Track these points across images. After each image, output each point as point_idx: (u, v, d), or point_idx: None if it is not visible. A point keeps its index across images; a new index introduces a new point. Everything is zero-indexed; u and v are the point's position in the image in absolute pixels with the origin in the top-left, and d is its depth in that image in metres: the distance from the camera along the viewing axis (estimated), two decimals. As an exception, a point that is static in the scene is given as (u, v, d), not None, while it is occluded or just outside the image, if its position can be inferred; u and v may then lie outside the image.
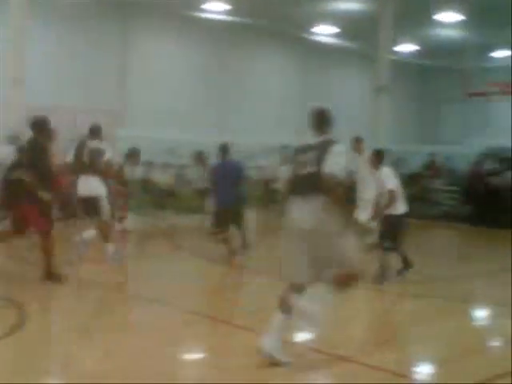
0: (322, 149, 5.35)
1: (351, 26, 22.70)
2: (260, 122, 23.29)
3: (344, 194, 5.27)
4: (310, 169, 5.33)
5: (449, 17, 21.83)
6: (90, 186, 9.21)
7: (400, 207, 9.15)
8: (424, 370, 5.75)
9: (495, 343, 6.84)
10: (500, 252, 13.42)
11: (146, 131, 17.87)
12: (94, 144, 9.34)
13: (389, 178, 9.08)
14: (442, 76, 28.62)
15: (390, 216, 9.01)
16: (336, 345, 6.13)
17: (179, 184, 17.61)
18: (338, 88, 26.57)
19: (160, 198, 16.86)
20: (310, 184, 5.30)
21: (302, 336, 6.65)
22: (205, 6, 21.24)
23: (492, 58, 24.16)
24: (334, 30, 24.24)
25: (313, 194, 5.25)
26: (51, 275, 8.02)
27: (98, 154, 9.21)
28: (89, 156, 9.21)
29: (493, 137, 27.09)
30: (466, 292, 9.20)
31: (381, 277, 9.06)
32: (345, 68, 27.29)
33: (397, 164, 20.42)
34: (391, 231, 9.10)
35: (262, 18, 22.10)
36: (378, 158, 9.33)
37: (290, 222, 5.44)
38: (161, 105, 20.74)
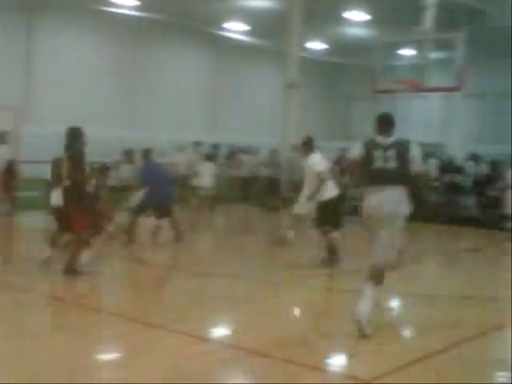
0: (401, 147, 6.40)
1: (261, 23, 22.87)
2: (170, 118, 23.17)
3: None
4: (392, 164, 6.29)
5: (356, 16, 22.36)
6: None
7: (332, 190, 9.62)
8: (337, 362, 5.84)
9: (405, 332, 7.06)
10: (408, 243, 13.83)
11: (55, 128, 17.40)
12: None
13: (317, 163, 9.55)
14: (351, 73, 29.29)
15: (324, 201, 9.49)
16: (247, 339, 6.15)
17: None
18: (250, 85, 26.76)
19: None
20: (392, 176, 6.27)
21: (216, 332, 6.67)
22: (116, 1, 20.92)
23: (399, 55, 24.91)
24: (244, 27, 24.35)
25: (394, 184, 6.24)
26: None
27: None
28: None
29: (401, 132, 27.93)
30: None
31: (329, 260, 9.70)
32: (256, 65, 27.49)
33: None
34: (327, 215, 9.57)
35: (172, 14, 21.96)
36: (308, 145, 9.78)
37: (368, 210, 6.35)
38: (71, 101, 20.30)
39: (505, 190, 15.29)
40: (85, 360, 5.46)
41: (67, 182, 8.59)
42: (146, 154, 12.07)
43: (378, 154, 6.40)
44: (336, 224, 9.79)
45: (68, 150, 8.65)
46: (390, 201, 6.26)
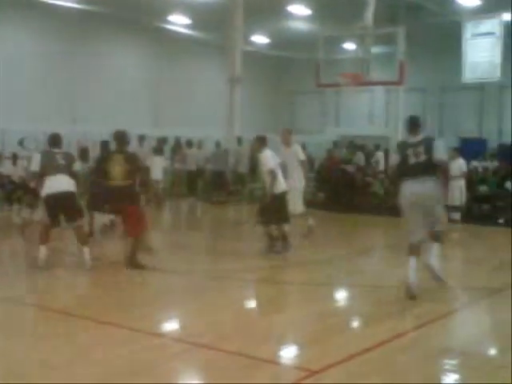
0: (428, 143, 7.60)
1: (204, 16, 22.79)
2: (113, 111, 22.86)
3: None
4: (422, 158, 7.53)
5: (299, 10, 22.49)
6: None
7: (280, 186, 10.17)
8: (286, 353, 5.88)
9: (353, 323, 7.14)
10: (356, 236, 14.05)
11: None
12: (60, 151, 9.22)
13: (269, 160, 10.09)
14: (295, 67, 29.45)
15: (273, 194, 10.06)
16: (196, 333, 6.15)
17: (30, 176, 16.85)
18: (194, 78, 26.65)
19: (11, 191, 16.09)
20: (424, 168, 7.53)
21: (165, 327, 6.63)
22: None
23: (343, 50, 25.19)
24: (187, 20, 24.22)
25: (426, 175, 7.53)
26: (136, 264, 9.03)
27: (71, 158, 9.34)
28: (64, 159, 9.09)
29: (346, 126, 28.33)
30: (324, 276, 9.51)
31: (271, 247, 10.33)
32: (200, 59, 27.38)
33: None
34: (271, 208, 10.10)
35: (113, 6, 21.66)
36: (261, 142, 10.35)
37: (409, 197, 7.62)
38: (7, 93, 19.82)
39: (450, 182, 15.55)
40: (34, 359, 5.37)
41: (126, 182, 9.00)
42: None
43: (410, 152, 7.62)
44: (285, 217, 10.38)
45: (123, 150, 9.37)
46: (426, 188, 7.59)
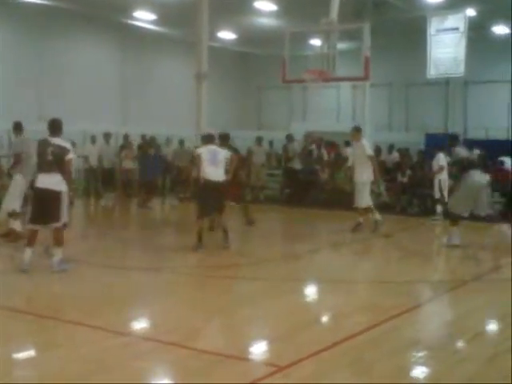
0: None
1: (169, 12, 22.65)
2: (79, 109, 22.58)
3: None
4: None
5: (265, 6, 22.47)
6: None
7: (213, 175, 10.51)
8: (254, 349, 5.87)
9: (322, 318, 7.16)
10: (324, 230, 14.12)
11: None
12: (57, 141, 8.82)
13: (199, 150, 10.73)
14: (261, 63, 29.45)
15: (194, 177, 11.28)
16: (164, 331, 6.11)
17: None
18: (160, 75, 26.49)
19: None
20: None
21: (131, 326, 6.58)
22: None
23: (309, 45, 25.23)
24: (152, 16, 24.05)
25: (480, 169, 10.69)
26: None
27: (62, 152, 8.76)
28: (53, 154, 8.69)
29: (313, 122, 28.40)
30: (291, 271, 9.54)
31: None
32: (166, 55, 27.21)
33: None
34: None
35: (77, 2, 21.39)
36: (224, 139, 11.46)
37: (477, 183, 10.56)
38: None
39: (433, 176, 15.82)
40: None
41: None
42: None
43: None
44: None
45: (231, 150, 10.95)
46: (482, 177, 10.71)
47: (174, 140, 21.45)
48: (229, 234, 10.70)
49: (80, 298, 7.47)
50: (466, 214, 11.17)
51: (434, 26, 20.84)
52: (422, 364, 5.46)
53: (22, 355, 5.61)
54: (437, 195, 15.34)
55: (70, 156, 8.86)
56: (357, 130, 13.13)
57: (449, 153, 18.95)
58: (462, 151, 11.92)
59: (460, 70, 20.42)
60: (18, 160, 10.88)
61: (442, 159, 15.35)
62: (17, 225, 10.76)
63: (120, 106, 25.22)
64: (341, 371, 5.15)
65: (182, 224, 14.98)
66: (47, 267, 8.68)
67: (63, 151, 8.75)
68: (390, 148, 20.06)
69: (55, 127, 9.00)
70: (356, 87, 27.06)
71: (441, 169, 15.23)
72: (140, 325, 6.70)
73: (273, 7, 22.55)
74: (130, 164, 18.74)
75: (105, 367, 5.11)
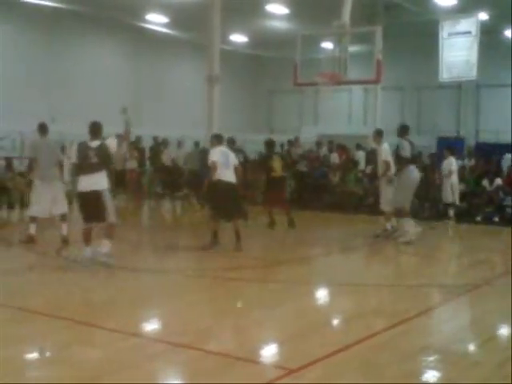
0: None
1: (181, 15, 22.72)
2: (91, 111, 22.63)
3: None
4: None
5: (277, 9, 22.51)
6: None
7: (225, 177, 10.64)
8: (264, 352, 5.86)
9: (333, 321, 7.15)
10: (335, 234, 14.10)
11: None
12: (95, 144, 9.03)
13: (212, 154, 10.71)
14: (273, 66, 29.47)
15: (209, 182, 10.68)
16: (175, 333, 6.12)
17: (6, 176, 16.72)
18: (173, 77, 26.55)
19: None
20: None
21: (143, 327, 6.59)
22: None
23: (320, 49, 25.21)
24: (165, 19, 24.13)
25: None
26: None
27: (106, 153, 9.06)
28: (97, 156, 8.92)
29: (324, 125, 28.39)
30: (302, 274, 9.53)
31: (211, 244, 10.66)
32: (179, 58, 27.30)
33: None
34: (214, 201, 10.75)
35: (92, 5, 21.51)
36: (217, 140, 11.10)
37: None
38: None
39: (443, 180, 15.83)
40: (11, 359, 5.29)
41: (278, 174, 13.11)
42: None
43: None
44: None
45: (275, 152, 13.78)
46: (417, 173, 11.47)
47: (186, 142, 21.46)
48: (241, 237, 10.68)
49: (92, 300, 7.49)
50: (408, 206, 11.94)
51: (446, 29, 20.80)
52: (433, 368, 5.43)
53: (34, 356, 5.64)
54: (450, 199, 15.34)
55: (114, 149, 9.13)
56: (378, 134, 13.03)
57: (460, 156, 19.05)
58: (406, 145, 11.92)
59: (472, 73, 20.37)
60: (33, 163, 11.13)
61: (453, 163, 15.36)
62: (33, 228, 10.80)
63: (132, 108, 25.19)
64: (351, 375, 5.13)
65: (194, 225, 15.02)
66: (58, 268, 8.73)
67: (106, 152, 9.01)
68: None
69: (96, 130, 9.16)
70: (367, 90, 27.04)
71: (450, 173, 15.24)
72: (151, 326, 6.72)
73: (285, 10, 22.59)
74: (134, 164, 18.80)
75: (117, 368, 5.11)
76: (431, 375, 5.29)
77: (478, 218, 15.60)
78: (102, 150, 8.93)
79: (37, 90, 21.63)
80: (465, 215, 15.91)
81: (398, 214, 12.14)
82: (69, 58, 22.93)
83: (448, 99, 26.52)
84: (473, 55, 20.18)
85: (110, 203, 8.97)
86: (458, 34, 20.69)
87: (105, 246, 8.93)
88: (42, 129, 11.14)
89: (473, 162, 19.03)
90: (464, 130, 26.00)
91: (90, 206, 8.87)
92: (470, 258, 10.93)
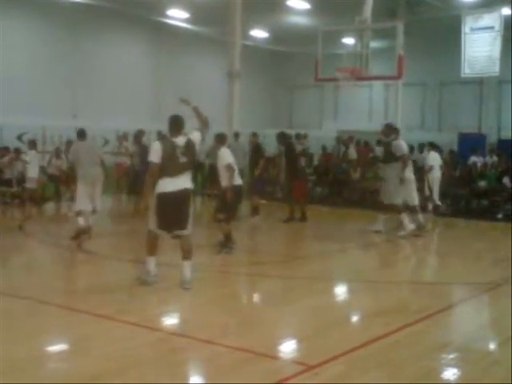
0: None
1: (202, 11, 22.75)
2: (113, 107, 22.85)
3: None
4: None
5: (298, 4, 22.45)
6: None
7: (237, 180, 10.37)
8: (283, 347, 5.89)
9: (352, 318, 7.16)
10: (353, 230, 14.06)
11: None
12: (181, 141, 7.74)
13: (226, 156, 10.38)
14: (294, 62, 29.40)
15: (230, 188, 10.11)
16: (195, 328, 6.17)
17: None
18: (194, 73, 26.60)
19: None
20: None
21: (164, 322, 6.65)
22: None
23: (342, 44, 25.15)
24: (186, 15, 24.18)
25: None
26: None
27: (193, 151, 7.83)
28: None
29: (344, 120, 28.30)
30: (321, 270, 9.54)
31: (221, 246, 10.20)
32: (199, 53, 27.31)
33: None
34: (227, 203, 10.16)
35: (113, 0, 21.62)
36: (221, 139, 10.84)
37: None
38: (8, 87, 19.79)
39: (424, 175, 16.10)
40: (35, 352, 5.38)
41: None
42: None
43: None
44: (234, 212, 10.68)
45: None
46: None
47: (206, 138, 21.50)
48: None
49: (112, 293, 7.55)
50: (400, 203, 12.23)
51: (468, 24, 20.63)
52: (453, 366, 5.43)
53: (55, 349, 5.71)
54: (427, 193, 15.74)
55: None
56: (388, 128, 12.93)
57: (482, 154, 18.97)
58: (403, 144, 12.32)
59: (495, 69, 20.19)
60: (75, 165, 11.53)
61: (432, 159, 15.69)
62: (81, 221, 11.10)
63: (153, 104, 25.39)
64: (370, 372, 5.15)
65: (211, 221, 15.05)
66: (77, 262, 8.81)
67: (193, 149, 7.88)
68: (421, 147, 19.90)
69: (179, 125, 7.91)
70: (388, 86, 26.92)
71: (430, 168, 15.55)
72: (173, 321, 6.77)
73: (306, 5, 22.53)
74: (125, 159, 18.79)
75: (140, 362, 5.18)
76: (451, 373, 5.29)
77: (499, 216, 15.49)
78: (191, 148, 7.80)
79: (59, 85, 21.81)
80: (486, 213, 15.83)
81: (392, 210, 12.39)
82: (91, 53, 23.06)
83: (470, 95, 26.29)
84: (495, 51, 19.99)
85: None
86: (480, 29, 20.52)
87: (187, 269, 7.74)
88: (81, 134, 11.62)
89: (494, 158, 18.88)
90: (486, 127, 25.78)
91: (176, 210, 7.64)
92: (490, 256, 10.85)
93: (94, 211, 11.28)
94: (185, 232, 7.67)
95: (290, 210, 13.99)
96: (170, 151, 7.53)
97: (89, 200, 11.18)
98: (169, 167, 7.51)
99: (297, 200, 14.13)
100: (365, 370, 5.17)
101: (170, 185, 7.53)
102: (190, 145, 7.72)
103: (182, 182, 7.61)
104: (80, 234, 10.86)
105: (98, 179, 11.38)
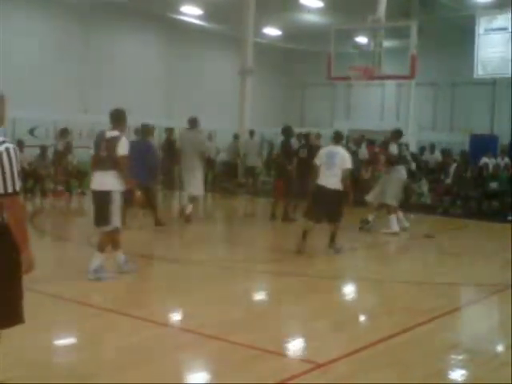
0: None
1: (215, 8, 22.77)
2: (122, 102, 22.77)
3: None
4: None
5: (311, 2, 22.42)
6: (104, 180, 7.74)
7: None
8: (292, 345, 5.89)
9: (360, 317, 7.14)
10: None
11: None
12: (113, 134, 7.86)
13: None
14: (306, 60, 29.37)
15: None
16: (203, 323, 6.17)
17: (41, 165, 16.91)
18: (205, 69, 26.63)
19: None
20: None
21: (172, 317, 6.65)
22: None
23: (355, 43, 25.10)
24: (198, 11, 24.20)
25: None
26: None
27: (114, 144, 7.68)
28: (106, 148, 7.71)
29: (356, 119, 28.25)
30: (332, 269, 9.53)
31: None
32: (212, 50, 27.35)
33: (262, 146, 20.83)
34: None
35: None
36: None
37: None
38: (19, 82, 19.86)
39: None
40: (41, 346, 5.40)
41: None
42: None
43: None
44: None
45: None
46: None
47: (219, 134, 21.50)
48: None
49: (122, 288, 7.58)
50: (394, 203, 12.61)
51: (482, 25, 20.56)
52: (461, 367, 5.41)
53: (64, 343, 5.74)
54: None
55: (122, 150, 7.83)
56: (396, 134, 13.10)
57: (493, 155, 18.87)
58: (395, 148, 12.66)
59: (508, 70, 20.09)
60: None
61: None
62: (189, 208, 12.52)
63: (164, 100, 25.43)
64: (378, 371, 5.13)
65: (229, 216, 15.09)
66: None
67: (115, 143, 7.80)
68: (432, 148, 19.84)
69: (115, 117, 8.22)
70: (401, 86, 26.85)
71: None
72: (180, 316, 6.78)
73: (318, 4, 22.49)
74: None
75: (145, 357, 5.18)
76: (459, 374, 5.27)
77: (510, 217, 15.41)
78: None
79: (71, 80, 21.88)
80: (497, 214, 15.77)
81: (388, 210, 12.67)
82: (103, 48, 23.13)
83: (482, 96, 26.18)
84: (508, 52, 19.90)
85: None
86: (494, 30, 20.44)
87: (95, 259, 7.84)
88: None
89: (506, 160, 18.77)
90: (498, 128, 25.66)
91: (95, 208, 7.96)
92: (500, 258, 10.80)
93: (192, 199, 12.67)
94: (105, 228, 7.79)
95: (272, 209, 13.86)
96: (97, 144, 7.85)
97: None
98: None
99: (276, 198, 13.94)
100: (373, 369, 5.16)
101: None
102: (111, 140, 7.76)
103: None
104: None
105: (195, 169, 12.84)
